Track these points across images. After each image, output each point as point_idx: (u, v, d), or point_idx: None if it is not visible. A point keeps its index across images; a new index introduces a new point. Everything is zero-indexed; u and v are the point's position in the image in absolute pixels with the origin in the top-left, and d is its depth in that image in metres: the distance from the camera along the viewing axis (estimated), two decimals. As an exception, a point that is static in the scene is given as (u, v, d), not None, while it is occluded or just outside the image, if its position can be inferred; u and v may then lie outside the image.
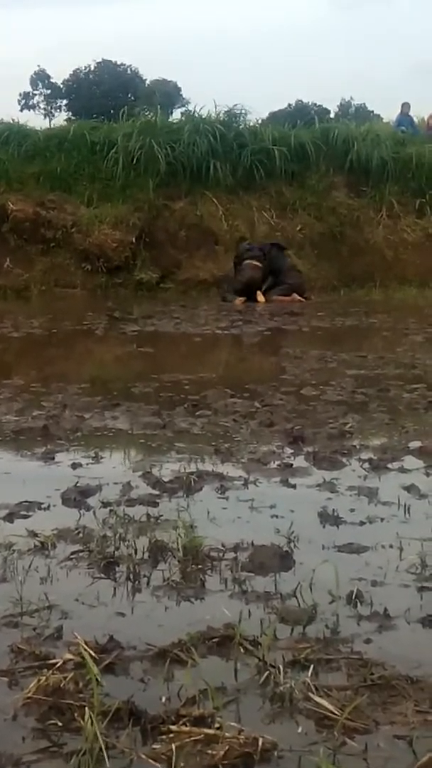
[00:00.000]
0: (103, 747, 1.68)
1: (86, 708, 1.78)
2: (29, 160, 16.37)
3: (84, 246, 15.33)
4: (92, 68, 61.84)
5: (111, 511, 3.19)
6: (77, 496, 3.39)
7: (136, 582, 2.57)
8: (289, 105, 53.04)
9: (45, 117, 57.22)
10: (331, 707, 1.83)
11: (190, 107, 20.02)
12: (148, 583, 2.56)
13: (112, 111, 22.24)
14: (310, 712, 1.85)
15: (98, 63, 61.43)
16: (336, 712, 1.81)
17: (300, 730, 1.80)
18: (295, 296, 14.12)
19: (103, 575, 2.62)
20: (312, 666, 2.02)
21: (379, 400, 5.50)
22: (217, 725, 1.76)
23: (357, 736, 1.77)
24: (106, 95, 55.33)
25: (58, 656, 2.04)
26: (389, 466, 3.94)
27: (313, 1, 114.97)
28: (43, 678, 1.91)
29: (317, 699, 1.87)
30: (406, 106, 19.74)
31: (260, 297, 13.77)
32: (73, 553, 2.77)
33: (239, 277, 14.07)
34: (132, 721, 1.78)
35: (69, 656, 2.02)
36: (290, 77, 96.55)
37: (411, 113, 19.98)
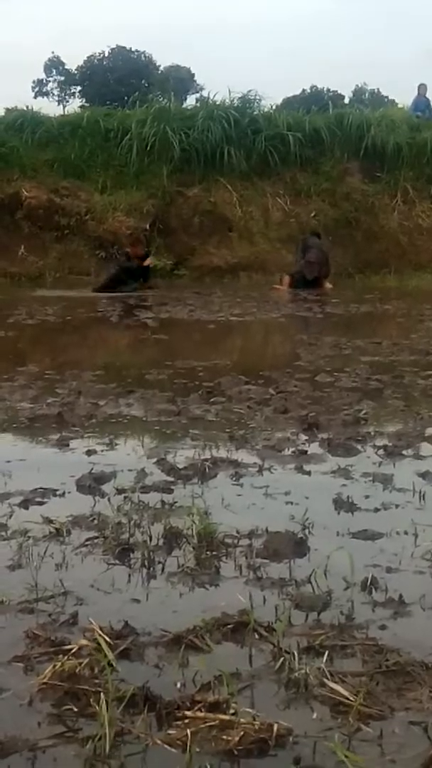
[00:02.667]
0: (118, 732, 1.69)
1: (101, 693, 1.78)
2: (43, 148, 16.37)
3: (98, 233, 15.35)
4: (106, 55, 61.73)
5: (126, 497, 3.19)
6: (92, 483, 3.39)
7: (151, 568, 2.57)
8: (304, 91, 52.89)
9: (59, 104, 57.27)
10: (346, 693, 1.83)
11: (204, 93, 19.97)
12: (162, 570, 2.56)
13: (126, 98, 22.19)
14: (325, 698, 1.85)
15: (112, 49, 61.32)
16: (351, 698, 1.81)
17: (315, 716, 1.80)
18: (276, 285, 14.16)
19: (117, 562, 2.62)
20: (327, 652, 2.02)
21: (393, 387, 5.48)
22: (232, 711, 1.77)
23: (372, 722, 1.77)
24: (120, 82, 55.22)
25: (73, 642, 2.04)
26: (404, 452, 3.93)
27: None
28: (59, 664, 1.92)
29: (332, 685, 1.87)
30: (422, 88, 19.48)
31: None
32: (88, 540, 2.78)
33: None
34: (147, 706, 1.79)
35: (84, 642, 2.02)
36: (304, 63, 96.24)
37: (428, 95, 19.73)
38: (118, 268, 13.47)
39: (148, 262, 13.72)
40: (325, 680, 1.89)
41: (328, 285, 14.27)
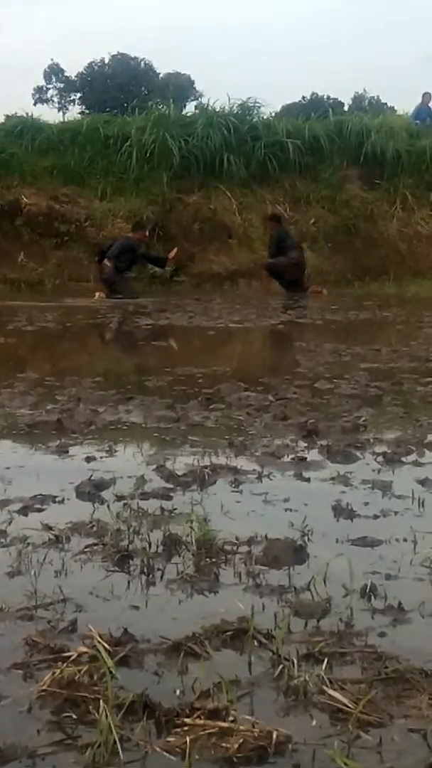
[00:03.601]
0: (118, 739, 1.69)
1: (101, 701, 1.78)
2: (43, 154, 16.41)
3: (97, 240, 15.37)
4: (106, 61, 61.89)
5: (125, 504, 3.19)
6: (91, 490, 3.39)
7: (150, 575, 2.57)
8: (303, 98, 53.10)
9: (59, 111, 57.48)
10: (345, 700, 1.83)
11: (204, 100, 20.01)
12: (161, 577, 2.56)
13: (125, 104, 22.25)
14: (324, 706, 1.85)
15: (112, 56, 61.50)
16: (350, 706, 1.81)
17: (314, 723, 1.79)
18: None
19: (117, 568, 2.62)
20: (326, 659, 2.01)
21: (393, 394, 5.49)
22: (231, 718, 1.76)
23: (371, 730, 1.76)
24: (120, 89, 55.39)
25: (72, 649, 2.04)
26: (403, 459, 3.93)
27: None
28: (58, 671, 1.91)
29: (331, 692, 1.87)
30: (426, 96, 19.45)
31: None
32: (87, 547, 2.78)
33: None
34: (146, 713, 1.78)
35: (83, 649, 2.02)
36: (304, 70, 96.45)
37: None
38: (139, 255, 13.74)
39: (172, 254, 13.99)
40: (325, 687, 1.89)
41: (324, 291, 14.29)
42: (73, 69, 64.11)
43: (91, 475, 3.54)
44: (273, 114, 19.13)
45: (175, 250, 14.39)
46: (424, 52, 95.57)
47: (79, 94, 63.61)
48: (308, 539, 2.85)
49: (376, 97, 57.11)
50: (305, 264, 14.64)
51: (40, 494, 3.32)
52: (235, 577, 2.56)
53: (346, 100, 52.52)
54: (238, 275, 15.59)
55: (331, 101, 46.36)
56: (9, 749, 1.68)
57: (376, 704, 1.84)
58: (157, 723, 1.77)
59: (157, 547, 2.76)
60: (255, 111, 17.55)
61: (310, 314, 11.06)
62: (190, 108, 23.75)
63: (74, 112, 53.13)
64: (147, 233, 14.37)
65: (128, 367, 7.54)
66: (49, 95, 65.38)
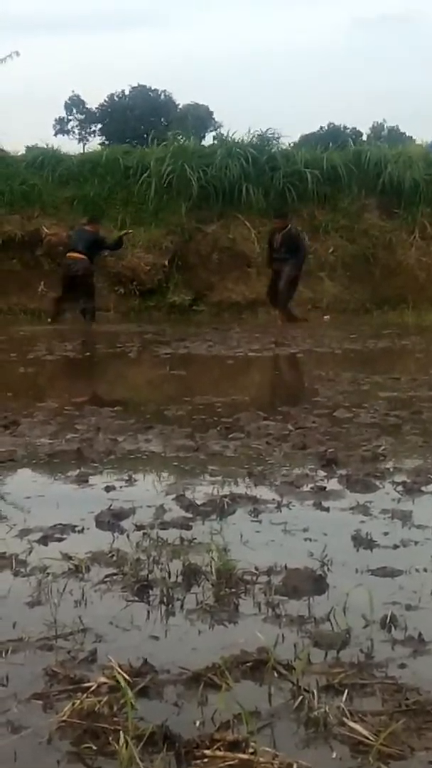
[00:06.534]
0: (138, 771, 1.68)
1: (121, 732, 1.78)
2: (63, 185, 16.55)
3: (117, 269, 15.45)
4: (126, 93, 62.49)
5: (144, 534, 3.20)
6: (111, 519, 3.40)
7: (170, 605, 2.57)
8: (321, 128, 53.36)
9: (79, 142, 58.01)
10: (365, 732, 1.82)
11: (223, 131, 20.11)
12: (181, 607, 2.56)
13: (145, 135, 22.43)
14: (344, 738, 1.84)
15: (132, 88, 62.11)
16: (371, 738, 1.80)
17: (334, 755, 1.79)
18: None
19: (136, 598, 2.62)
20: (346, 691, 2.01)
21: (412, 423, 5.47)
22: (251, 750, 1.76)
23: (392, 762, 1.75)
24: (140, 120, 55.88)
25: (92, 679, 2.04)
26: (423, 488, 3.92)
27: (336, 22, 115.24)
28: (78, 701, 1.92)
29: (352, 724, 1.86)
30: None
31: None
32: (107, 577, 2.78)
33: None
34: (166, 745, 1.78)
35: (103, 680, 2.02)
36: (322, 100, 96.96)
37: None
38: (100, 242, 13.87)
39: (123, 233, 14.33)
40: (345, 719, 1.88)
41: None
42: (93, 101, 64.83)
43: (111, 505, 3.55)
44: (291, 144, 19.28)
45: (127, 231, 14.58)
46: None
47: (99, 126, 64.27)
48: (328, 569, 2.85)
49: (395, 127, 57.36)
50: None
51: (60, 524, 3.32)
52: (255, 607, 2.56)
53: (365, 130, 52.87)
54: (258, 304, 15.61)
55: (349, 131, 46.58)
56: (29, 780, 1.68)
57: (396, 736, 1.83)
58: (177, 754, 1.77)
59: (177, 576, 2.77)
60: (274, 141, 17.68)
61: (329, 343, 11.07)
62: (209, 139, 23.90)
63: (94, 143, 53.65)
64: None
65: (147, 396, 7.56)
66: (69, 126, 66.10)
